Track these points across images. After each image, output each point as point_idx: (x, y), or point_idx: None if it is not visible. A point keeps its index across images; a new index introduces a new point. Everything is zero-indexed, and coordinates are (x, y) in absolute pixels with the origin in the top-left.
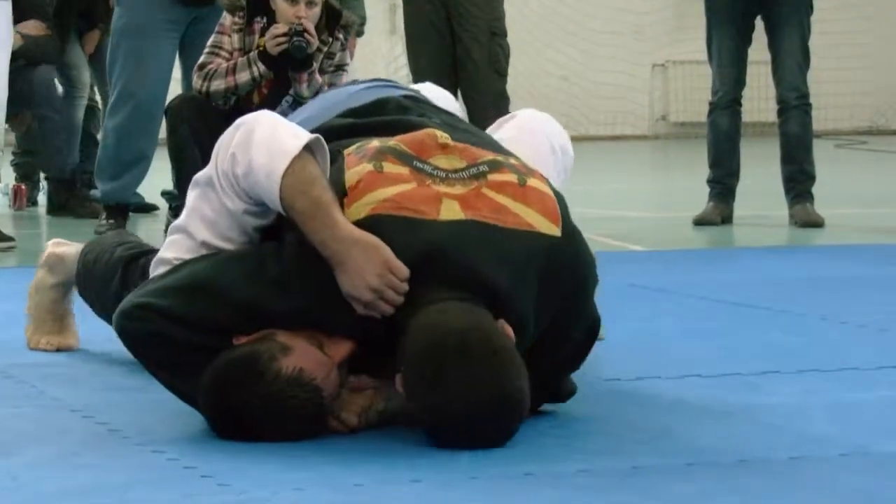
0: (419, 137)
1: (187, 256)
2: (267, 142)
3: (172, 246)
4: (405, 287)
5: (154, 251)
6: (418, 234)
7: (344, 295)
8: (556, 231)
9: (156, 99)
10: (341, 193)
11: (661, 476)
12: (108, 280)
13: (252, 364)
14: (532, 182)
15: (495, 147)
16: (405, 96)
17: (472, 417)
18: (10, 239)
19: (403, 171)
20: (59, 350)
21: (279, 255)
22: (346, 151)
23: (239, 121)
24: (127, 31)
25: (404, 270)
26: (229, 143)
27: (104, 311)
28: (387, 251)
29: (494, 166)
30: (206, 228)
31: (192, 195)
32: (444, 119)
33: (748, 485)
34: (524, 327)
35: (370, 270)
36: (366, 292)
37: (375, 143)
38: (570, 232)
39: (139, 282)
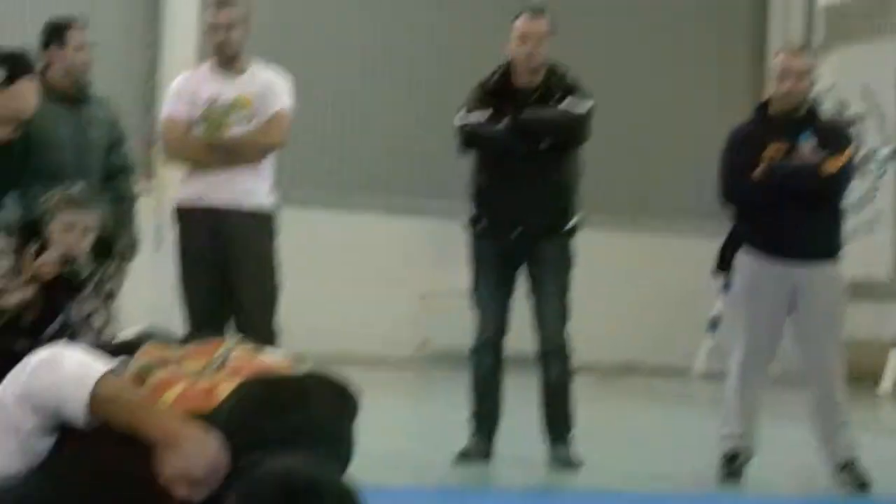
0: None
1: None
2: (79, 359)
3: None
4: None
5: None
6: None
7: (167, 473)
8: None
9: None
10: None
11: None
12: None
13: None
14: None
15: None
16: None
17: None
18: None
19: (165, 373)
20: None
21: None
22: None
23: (38, 352)
24: None
25: (226, 456)
26: (27, 366)
27: None
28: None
29: (228, 353)
30: None
31: None
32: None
33: None
34: None
35: (210, 449)
36: (202, 470)
37: (132, 366)
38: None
39: None
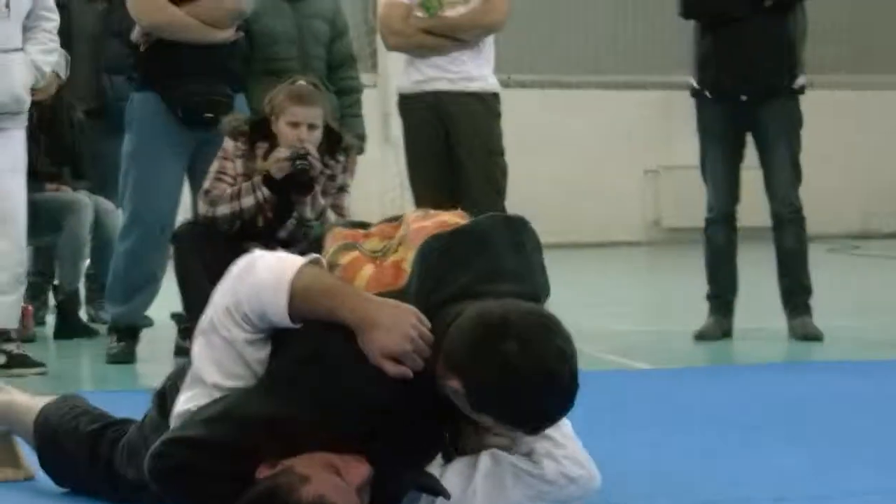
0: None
1: (203, 402)
2: (270, 264)
3: (189, 398)
4: (431, 337)
5: (119, 422)
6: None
7: (375, 357)
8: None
9: (164, 223)
10: None
11: None
12: (78, 455)
13: (273, 498)
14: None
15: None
16: None
17: (557, 403)
18: (40, 364)
19: (354, 254)
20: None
21: (279, 377)
22: None
23: (236, 264)
24: (136, 156)
25: (427, 321)
26: (227, 280)
27: (78, 485)
28: (413, 307)
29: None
30: (215, 370)
31: (196, 345)
32: None
33: None
34: None
35: (405, 321)
36: (404, 342)
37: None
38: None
39: (110, 454)
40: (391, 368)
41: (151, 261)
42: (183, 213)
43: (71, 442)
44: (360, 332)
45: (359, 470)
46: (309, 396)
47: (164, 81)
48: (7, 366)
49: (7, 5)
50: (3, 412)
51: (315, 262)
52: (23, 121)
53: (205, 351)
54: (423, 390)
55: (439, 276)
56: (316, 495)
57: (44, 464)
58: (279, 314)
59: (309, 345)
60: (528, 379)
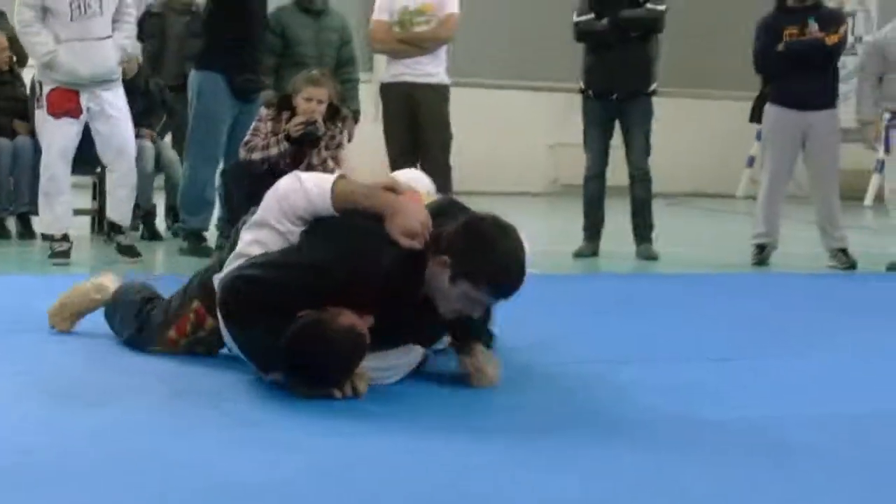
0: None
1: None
2: (314, 178)
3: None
4: (431, 228)
5: (160, 297)
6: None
7: (395, 233)
8: None
9: (216, 162)
10: None
11: (547, 433)
12: (127, 313)
13: (318, 324)
14: None
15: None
16: None
17: (516, 271)
18: (138, 254)
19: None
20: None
21: (319, 237)
22: None
23: (280, 182)
24: (202, 116)
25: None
26: (279, 191)
27: (119, 331)
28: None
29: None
30: (258, 248)
31: (247, 233)
32: None
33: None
34: None
35: (419, 211)
36: (417, 224)
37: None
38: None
39: (147, 313)
40: (405, 241)
41: (210, 187)
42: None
43: (127, 306)
44: (386, 215)
45: (366, 319)
46: (341, 251)
47: (225, 67)
48: (121, 252)
49: (100, 6)
50: (102, 289)
51: (342, 177)
52: (118, 85)
53: (255, 237)
54: (417, 269)
55: (441, 208)
56: (349, 323)
57: (108, 317)
58: (327, 209)
59: (345, 219)
60: (502, 249)
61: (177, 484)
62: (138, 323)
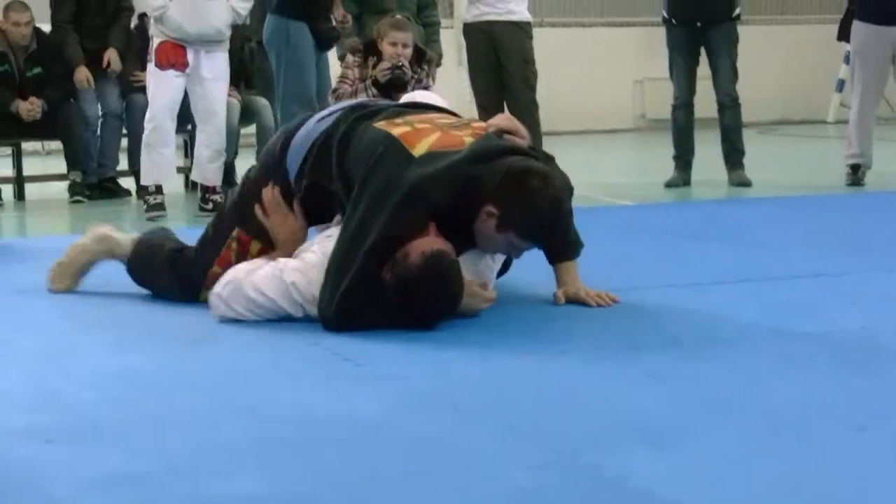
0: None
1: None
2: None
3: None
4: None
5: (187, 247)
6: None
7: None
8: None
9: (314, 110)
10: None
11: (649, 350)
12: (163, 267)
13: (407, 256)
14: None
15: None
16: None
17: (559, 221)
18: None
19: (428, 125)
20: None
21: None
22: (374, 123)
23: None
24: (292, 65)
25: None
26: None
27: (160, 289)
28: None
29: (469, 121)
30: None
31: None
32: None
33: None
34: None
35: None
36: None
37: (397, 119)
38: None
39: (182, 263)
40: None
41: None
42: None
43: (160, 260)
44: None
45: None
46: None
47: (308, 16)
48: (213, 210)
49: None
50: (105, 240)
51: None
52: (225, 47)
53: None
54: (468, 213)
55: (485, 149)
56: (430, 248)
57: (136, 275)
58: None
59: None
60: (547, 203)
61: (287, 419)
62: (178, 278)
